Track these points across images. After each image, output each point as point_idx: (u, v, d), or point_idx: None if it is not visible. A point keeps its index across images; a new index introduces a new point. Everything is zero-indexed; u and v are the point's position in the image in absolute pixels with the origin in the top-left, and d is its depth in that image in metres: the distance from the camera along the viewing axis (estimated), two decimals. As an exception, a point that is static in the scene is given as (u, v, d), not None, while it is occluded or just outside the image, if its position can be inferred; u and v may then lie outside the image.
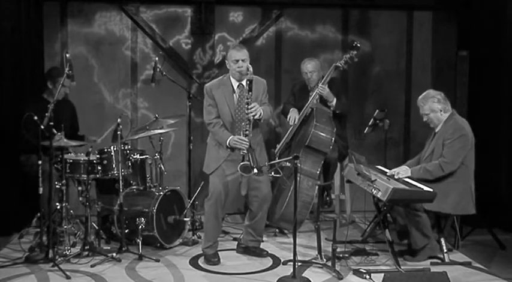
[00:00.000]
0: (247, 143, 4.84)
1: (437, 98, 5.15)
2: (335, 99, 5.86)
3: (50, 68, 5.99)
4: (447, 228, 5.36)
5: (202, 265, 5.02)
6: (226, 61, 5.06)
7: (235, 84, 5.04)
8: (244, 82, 4.99)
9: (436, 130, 5.20)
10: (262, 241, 5.39)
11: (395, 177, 5.06)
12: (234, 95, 5.03)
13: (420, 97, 5.25)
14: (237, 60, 4.95)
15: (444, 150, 5.04)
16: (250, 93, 4.86)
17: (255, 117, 4.88)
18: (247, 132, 4.87)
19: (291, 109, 6.03)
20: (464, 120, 5.20)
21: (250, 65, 4.92)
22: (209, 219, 5.07)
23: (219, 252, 5.21)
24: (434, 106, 5.14)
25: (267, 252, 5.27)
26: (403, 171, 5.12)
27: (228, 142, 4.92)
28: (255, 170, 4.80)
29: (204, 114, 5.11)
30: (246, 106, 4.87)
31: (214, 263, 5.04)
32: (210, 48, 6.91)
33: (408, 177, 5.07)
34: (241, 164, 4.79)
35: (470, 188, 5.09)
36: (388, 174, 5.17)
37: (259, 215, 5.17)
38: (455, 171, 5.02)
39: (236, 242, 5.53)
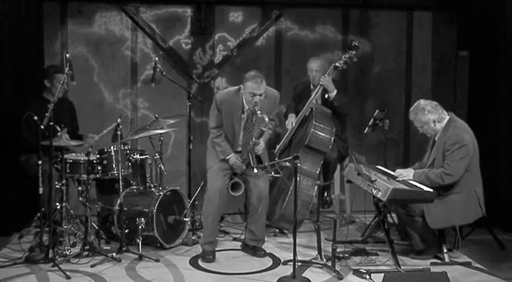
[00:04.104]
0: (243, 168, 5.11)
1: (427, 109, 5.05)
2: (335, 91, 5.86)
3: (47, 66, 6.00)
4: (447, 229, 5.36)
5: (202, 265, 5.02)
6: (242, 86, 5.03)
7: (245, 106, 5.07)
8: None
9: (436, 138, 5.15)
10: (264, 241, 5.39)
11: (398, 178, 5.05)
12: (243, 115, 5.08)
13: (410, 109, 5.17)
14: (255, 94, 4.94)
15: (445, 161, 4.97)
16: (260, 139, 5.06)
17: (259, 153, 5.11)
18: (246, 161, 5.10)
19: (289, 115, 6.07)
20: (464, 126, 5.10)
21: (267, 119, 4.91)
22: (207, 217, 5.09)
23: (218, 252, 5.24)
24: (424, 118, 5.06)
25: (265, 251, 5.27)
26: (405, 172, 5.11)
27: (228, 158, 5.07)
28: (255, 170, 4.84)
29: (209, 118, 5.21)
30: (252, 145, 5.03)
31: (209, 260, 5.07)
32: (210, 48, 6.91)
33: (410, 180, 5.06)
34: (232, 181, 5.07)
35: (476, 193, 5.03)
36: (393, 174, 5.17)
37: (258, 213, 5.18)
38: (459, 181, 4.96)
39: (235, 242, 5.56)
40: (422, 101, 5.15)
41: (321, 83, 5.84)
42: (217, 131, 5.11)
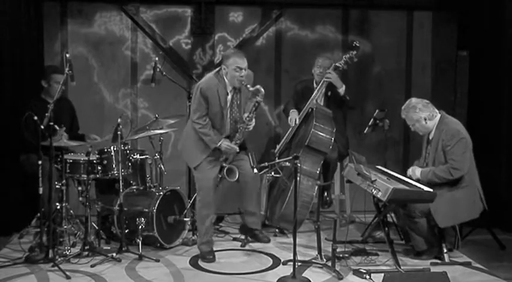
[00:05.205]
0: (237, 150, 5.11)
1: (418, 107, 5.09)
2: (344, 86, 5.89)
3: (46, 67, 5.99)
4: (447, 229, 5.36)
5: (202, 265, 5.02)
6: (224, 66, 5.05)
7: (229, 87, 5.09)
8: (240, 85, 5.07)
9: (430, 137, 5.18)
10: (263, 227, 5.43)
11: (411, 175, 5.07)
12: (228, 97, 5.09)
13: (402, 108, 5.20)
14: (241, 69, 4.97)
15: (448, 156, 4.99)
16: (254, 113, 5.06)
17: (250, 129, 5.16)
18: (238, 141, 5.14)
19: (291, 110, 6.05)
20: (457, 122, 5.14)
21: (262, 89, 4.96)
22: (203, 219, 5.10)
23: (218, 252, 5.24)
24: (415, 116, 5.10)
25: (269, 238, 5.32)
26: (412, 171, 5.14)
27: (219, 145, 5.05)
28: (255, 170, 4.85)
29: (191, 111, 5.18)
30: (247, 120, 5.05)
31: (210, 260, 5.07)
32: (210, 48, 6.91)
33: (417, 180, 5.07)
34: (225, 168, 5.11)
35: (478, 189, 5.08)
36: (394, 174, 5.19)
37: (255, 186, 5.27)
38: (464, 176, 4.98)
39: (235, 242, 5.56)
40: (413, 100, 5.19)
41: (327, 80, 5.85)
42: (203, 121, 5.07)
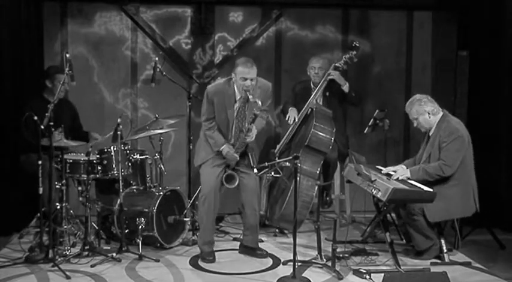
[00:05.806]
0: (237, 158, 5.04)
1: (424, 100, 5.14)
2: (347, 83, 5.90)
3: (48, 67, 6.00)
4: (447, 229, 5.36)
5: (202, 265, 5.02)
6: (233, 74, 5.00)
7: (237, 95, 5.05)
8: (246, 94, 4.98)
9: (430, 133, 5.19)
10: (262, 241, 5.39)
11: (394, 178, 5.06)
12: (235, 104, 5.06)
13: (407, 103, 5.24)
14: (246, 79, 4.92)
15: (442, 153, 5.02)
16: (252, 124, 4.94)
17: (251, 139, 5.06)
18: (239, 151, 5.06)
19: (290, 108, 6.05)
20: (458, 121, 5.18)
21: (260, 102, 4.82)
22: (203, 216, 5.08)
23: (218, 252, 5.24)
24: (420, 109, 5.12)
25: (267, 252, 5.26)
26: (401, 171, 5.12)
27: (221, 149, 5.04)
28: (255, 170, 4.84)
29: (201, 111, 5.17)
30: (245, 131, 4.97)
31: (210, 260, 5.06)
32: (210, 48, 6.91)
33: (408, 178, 5.07)
34: (226, 173, 5.05)
35: (472, 188, 5.09)
36: (383, 172, 5.18)
37: (249, 211, 5.16)
38: (455, 173, 5.01)
39: (236, 242, 5.55)
40: (418, 95, 5.26)
41: (331, 77, 5.87)
42: (209, 123, 5.09)
